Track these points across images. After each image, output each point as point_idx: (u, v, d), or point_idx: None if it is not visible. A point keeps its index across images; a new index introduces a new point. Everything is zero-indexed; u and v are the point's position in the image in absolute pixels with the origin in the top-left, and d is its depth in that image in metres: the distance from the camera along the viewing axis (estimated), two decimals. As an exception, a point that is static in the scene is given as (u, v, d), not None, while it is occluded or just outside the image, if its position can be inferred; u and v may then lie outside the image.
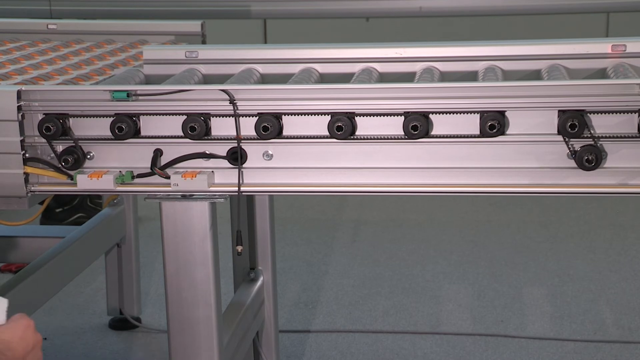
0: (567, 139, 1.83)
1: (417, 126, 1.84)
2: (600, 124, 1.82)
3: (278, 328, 2.79)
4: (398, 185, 1.90)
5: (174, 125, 1.91)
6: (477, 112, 1.84)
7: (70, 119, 1.92)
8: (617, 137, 1.82)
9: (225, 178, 1.93)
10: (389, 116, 1.86)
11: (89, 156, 1.94)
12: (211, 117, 1.90)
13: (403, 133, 1.86)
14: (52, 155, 1.94)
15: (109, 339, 3.31)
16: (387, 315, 3.44)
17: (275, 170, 1.92)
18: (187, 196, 1.95)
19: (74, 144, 1.93)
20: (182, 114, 1.90)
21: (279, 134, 1.89)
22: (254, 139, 1.90)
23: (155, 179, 1.93)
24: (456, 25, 5.51)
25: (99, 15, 4.13)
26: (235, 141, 1.90)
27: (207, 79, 2.23)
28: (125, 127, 1.90)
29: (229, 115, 1.89)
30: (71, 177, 1.93)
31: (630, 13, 4.71)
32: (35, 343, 1.61)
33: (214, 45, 2.32)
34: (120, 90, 1.90)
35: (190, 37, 2.76)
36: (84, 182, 1.91)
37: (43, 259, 2.79)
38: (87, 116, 1.92)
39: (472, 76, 2.16)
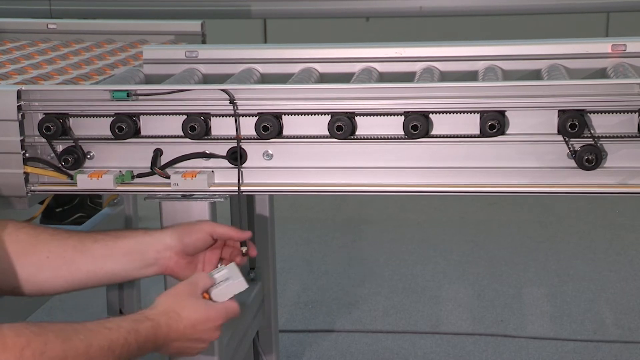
0: (567, 139, 1.82)
1: (417, 126, 1.84)
2: (600, 124, 1.82)
3: (278, 328, 2.79)
4: (398, 185, 1.90)
5: (174, 125, 1.91)
6: (477, 112, 1.84)
7: (70, 119, 1.92)
8: (617, 137, 1.82)
9: (225, 178, 1.92)
10: (388, 116, 1.86)
11: (89, 156, 1.94)
12: (211, 117, 1.90)
13: (403, 133, 1.86)
14: (52, 155, 1.94)
15: (109, 338, 3.30)
16: (387, 315, 3.44)
17: (275, 170, 1.91)
18: (187, 196, 1.95)
19: (74, 144, 1.93)
20: (182, 114, 1.90)
21: (279, 133, 1.89)
22: (254, 138, 1.90)
23: (155, 178, 1.93)
24: (456, 25, 5.50)
25: (99, 15, 4.13)
26: (235, 141, 1.90)
27: (207, 79, 2.22)
28: (125, 127, 1.90)
29: (229, 115, 1.89)
30: (71, 177, 1.93)
31: (630, 13, 4.71)
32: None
33: (214, 45, 2.31)
34: (120, 90, 1.90)
35: (190, 37, 2.76)
36: (84, 182, 1.91)
37: (43, 258, 2.78)
38: (87, 116, 1.92)
39: (472, 76, 2.15)
